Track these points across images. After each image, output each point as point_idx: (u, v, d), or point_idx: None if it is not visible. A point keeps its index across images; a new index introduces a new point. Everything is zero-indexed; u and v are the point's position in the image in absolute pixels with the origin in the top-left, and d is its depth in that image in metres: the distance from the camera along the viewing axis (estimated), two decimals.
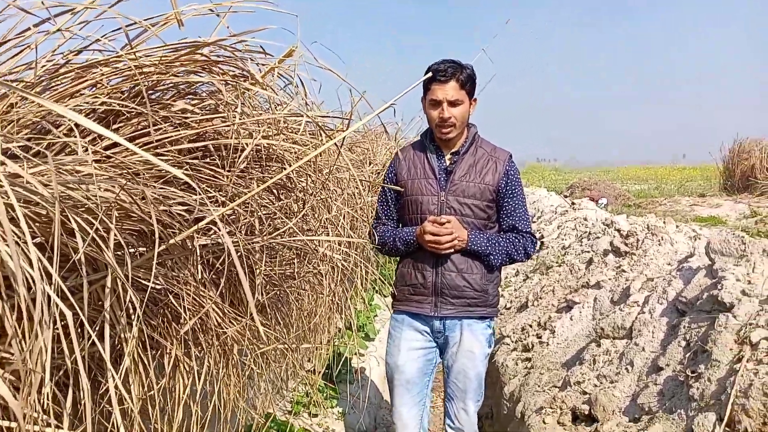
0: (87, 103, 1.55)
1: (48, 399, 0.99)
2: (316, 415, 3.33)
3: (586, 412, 2.82)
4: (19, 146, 1.25)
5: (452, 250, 2.48)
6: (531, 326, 4.36)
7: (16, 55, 1.64)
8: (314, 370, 3.23)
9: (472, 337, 2.57)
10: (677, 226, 4.66)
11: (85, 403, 0.96)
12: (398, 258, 2.73)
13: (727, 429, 2.16)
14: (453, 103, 2.45)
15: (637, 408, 2.67)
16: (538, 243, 6.88)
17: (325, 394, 3.51)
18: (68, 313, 0.93)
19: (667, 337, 2.97)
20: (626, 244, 4.45)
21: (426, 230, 2.45)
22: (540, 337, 4.09)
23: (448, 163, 2.57)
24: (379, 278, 4.90)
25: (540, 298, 4.79)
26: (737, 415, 2.13)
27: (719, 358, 2.46)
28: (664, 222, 4.81)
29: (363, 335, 4.74)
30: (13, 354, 0.97)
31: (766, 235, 6.88)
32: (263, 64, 1.87)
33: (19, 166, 1.10)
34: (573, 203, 8.77)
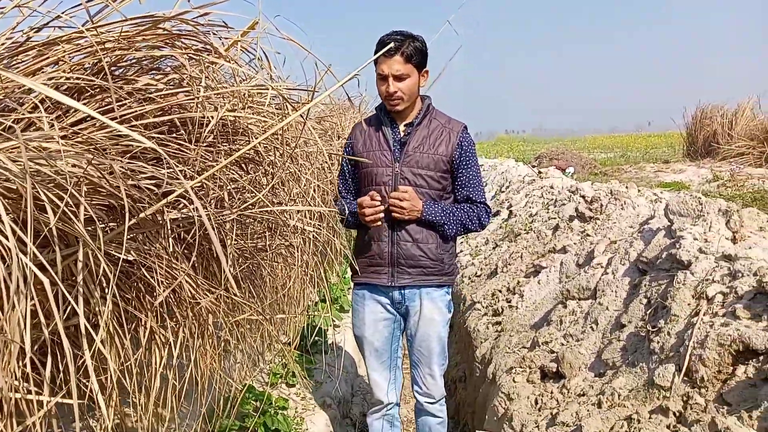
0: (51, 80, 1.55)
1: (28, 368, 1.02)
2: (293, 385, 3.40)
3: (554, 370, 2.93)
4: None
5: (406, 219, 2.52)
6: (501, 291, 4.47)
7: None
8: (290, 342, 3.28)
9: (432, 304, 2.65)
10: (639, 191, 4.79)
11: (67, 365, 0.99)
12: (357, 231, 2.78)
13: (685, 378, 2.27)
14: (399, 78, 2.45)
15: (602, 363, 2.78)
16: (495, 213, 7.00)
17: (301, 365, 3.58)
18: (45, 281, 0.95)
19: (630, 296, 3.09)
20: (590, 210, 4.57)
21: (363, 205, 2.50)
22: (509, 302, 4.20)
23: (402, 134, 2.60)
24: (352, 251, 4.96)
25: (509, 264, 4.90)
26: (695, 365, 2.25)
27: (678, 313, 2.57)
28: (627, 187, 4.94)
29: (338, 307, 4.81)
30: None
31: (726, 197, 7.10)
32: (226, 38, 1.87)
33: None
34: (540, 173, 8.91)
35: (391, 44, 2.39)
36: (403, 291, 2.64)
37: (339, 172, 2.80)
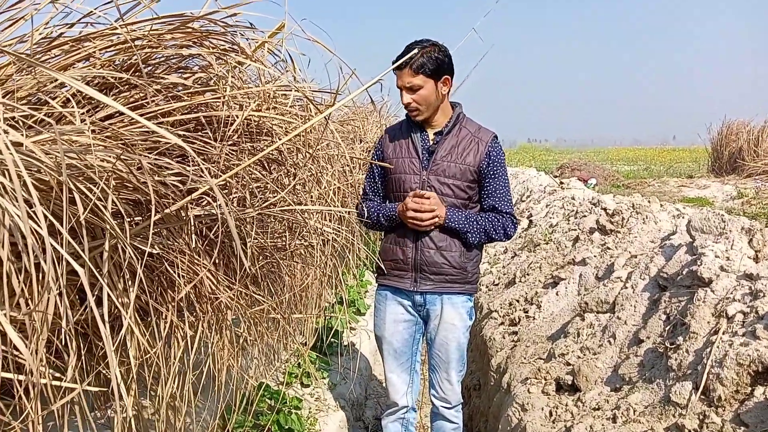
0: (81, 76, 1.58)
1: (51, 356, 1.05)
2: (308, 386, 3.41)
3: (570, 382, 2.91)
4: (19, 116, 1.28)
5: (432, 227, 2.54)
6: (518, 301, 4.45)
7: (7, 28, 1.66)
8: (306, 342, 3.30)
9: (453, 310, 2.65)
10: (661, 205, 4.74)
11: (91, 352, 1.01)
12: (383, 234, 2.80)
13: (702, 396, 2.25)
14: (411, 89, 2.47)
15: (618, 378, 2.76)
16: (519, 223, 6.96)
17: (316, 366, 3.59)
18: (80, 270, 0.98)
19: (648, 311, 3.06)
20: (611, 222, 4.53)
21: (407, 206, 2.51)
22: (527, 312, 4.18)
23: (431, 142, 2.61)
24: (370, 254, 4.97)
25: (527, 274, 4.88)
26: (712, 384, 2.22)
27: (697, 331, 2.54)
28: (649, 201, 4.89)
29: (354, 309, 4.82)
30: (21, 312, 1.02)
31: (749, 215, 6.99)
32: (252, 39, 1.90)
33: (21, 134, 1.14)
34: (561, 183, 8.85)
35: (403, 58, 2.39)
36: (424, 295, 2.65)
37: (367, 173, 2.82)
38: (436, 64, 2.46)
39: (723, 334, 2.39)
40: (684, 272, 2.97)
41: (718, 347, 2.32)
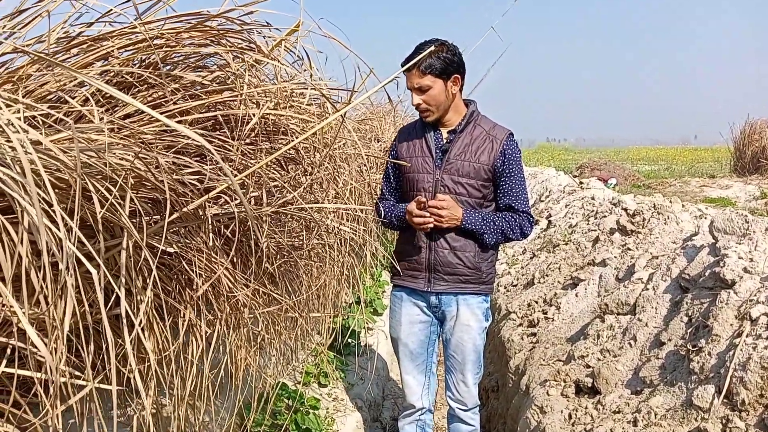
0: (102, 74, 1.59)
1: (71, 353, 1.05)
2: (325, 386, 3.41)
3: (590, 385, 2.87)
4: (38, 114, 1.29)
5: (445, 227, 2.51)
6: (537, 302, 4.41)
7: (26, 25, 1.67)
8: (324, 342, 3.30)
9: (468, 311, 2.62)
10: (683, 206, 4.67)
11: (108, 351, 1.02)
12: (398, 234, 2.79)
13: (725, 400, 2.20)
14: (420, 90, 2.46)
15: (639, 381, 2.72)
16: (535, 222, 6.91)
17: (334, 365, 3.59)
18: (93, 270, 0.98)
19: (670, 313, 3.01)
20: (632, 223, 4.47)
21: (413, 213, 2.49)
22: (546, 313, 4.14)
23: (444, 141, 2.59)
24: (388, 255, 4.96)
25: (546, 275, 4.84)
26: (735, 388, 2.18)
27: (720, 333, 2.49)
28: (670, 202, 4.82)
29: (371, 310, 4.81)
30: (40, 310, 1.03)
31: None
32: (269, 37, 1.90)
33: (39, 133, 1.15)
34: (581, 183, 8.77)
35: (412, 60, 2.38)
36: (439, 296, 2.63)
37: (384, 173, 2.81)
38: (445, 63, 2.43)
39: (746, 336, 2.34)
40: (706, 273, 2.92)
41: (741, 350, 2.27)
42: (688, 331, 2.72)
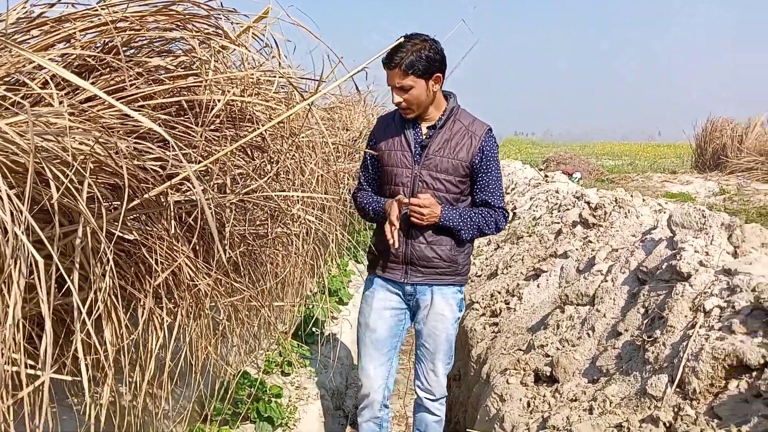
0: (63, 56, 1.56)
1: (23, 342, 1.03)
2: (288, 374, 3.41)
3: (548, 374, 2.93)
4: None
5: (424, 224, 2.51)
6: (500, 293, 4.47)
7: None
8: (287, 331, 3.30)
9: (443, 300, 2.64)
10: (644, 200, 4.78)
11: (47, 349, 1.00)
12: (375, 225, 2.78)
13: (678, 389, 2.28)
14: (401, 89, 2.41)
15: (596, 370, 2.79)
16: (510, 216, 6.99)
17: (297, 354, 3.59)
18: (40, 260, 0.96)
19: (627, 305, 3.08)
20: (594, 216, 4.56)
21: (391, 221, 2.46)
22: (508, 303, 4.21)
23: (423, 136, 2.57)
24: (354, 245, 4.96)
25: (510, 266, 4.90)
26: (687, 377, 2.25)
27: (674, 325, 2.57)
28: (632, 196, 4.93)
29: (337, 299, 4.82)
30: None
31: (731, 211, 7.08)
32: (237, 23, 1.88)
33: None
34: (546, 176, 8.90)
35: (394, 55, 2.34)
36: (415, 285, 2.64)
37: (362, 164, 2.78)
38: (427, 63, 2.38)
39: (700, 328, 2.42)
40: (663, 266, 3.00)
41: (694, 341, 2.35)
42: (645, 322, 2.80)
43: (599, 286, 3.41)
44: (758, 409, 1.93)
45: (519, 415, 2.78)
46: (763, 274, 2.57)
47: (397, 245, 2.48)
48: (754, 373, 2.08)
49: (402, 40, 2.36)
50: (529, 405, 2.82)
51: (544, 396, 2.81)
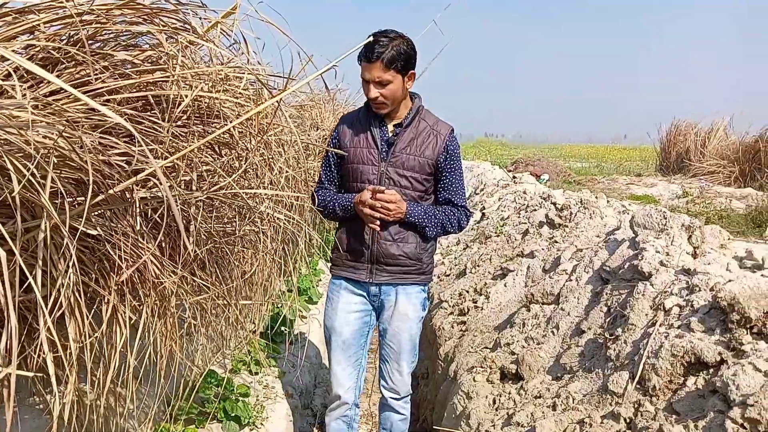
0: (27, 48, 1.53)
1: None
2: (256, 373, 3.39)
3: (514, 371, 2.98)
4: None
5: (390, 220, 2.52)
6: (468, 292, 4.52)
7: None
8: (255, 330, 3.28)
9: (407, 300, 2.66)
10: (608, 202, 4.87)
11: (10, 344, 0.99)
12: (338, 223, 2.77)
13: (638, 386, 2.33)
14: (379, 83, 2.42)
15: (560, 367, 2.84)
16: (472, 216, 7.07)
17: (265, 353, 3.57)
18: (2, 254, 0.95)
19: (591, 303, 3.15)
20: (560, 217, 4.64)
21: (365, 202, 2.47)
22: (475, 302, 4.25)
23: (390, 134, 2.59)
24: (323, 244, 4.95)
25: (478, 265, 4.96)
26: (647, 374, 2.30)
27: (635, 323, 2.63)
28: (597, 197, 5.03)
29: (306, 298, 4.81)
30: None
31: (692, 213, 7.26)
32: (205, 18, 1.87)
33: None
34: (515, 177, 9.00)
35: (375, 48, 2.33)
36: (380, 286, 2.65)
37: (323, 161, 2.76)
38: (406, 59, 2.41)
39: (660, 326, 2.48)
40: (626, 266, 3.07)
41: (654, 339, 2.41)
42: (607, 320, 2.86)
43: (564, 285, 3.47)
44: (714, 404, 1.99)
45: (485, 413, 2.82)
46: (721, 274, 2.65)
47: (378, 229, 2.50)
48: (711, 370, 2.15)
49: (371, 39, 2.37)
50: (494, 402, 2.85)
51: (510, 393, 2.85)
